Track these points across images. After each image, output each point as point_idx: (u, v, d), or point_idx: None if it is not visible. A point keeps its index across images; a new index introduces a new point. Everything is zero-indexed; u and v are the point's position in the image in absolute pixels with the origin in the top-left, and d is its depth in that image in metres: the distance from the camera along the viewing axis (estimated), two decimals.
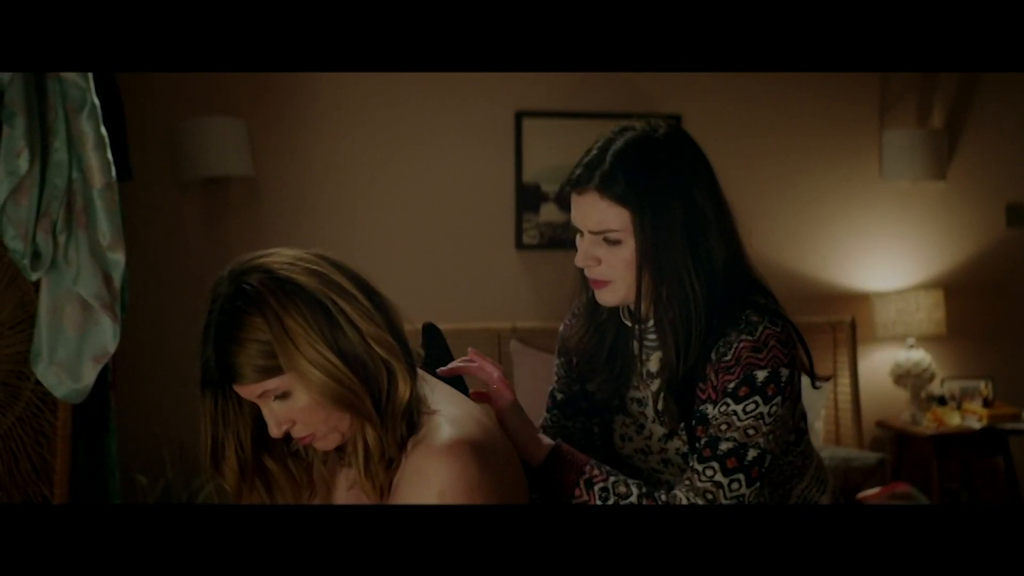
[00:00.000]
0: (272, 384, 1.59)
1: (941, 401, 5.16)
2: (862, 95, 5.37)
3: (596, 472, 1.78)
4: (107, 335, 3.10)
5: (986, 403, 5.04)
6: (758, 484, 1.75)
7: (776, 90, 5.23)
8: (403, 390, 1.62)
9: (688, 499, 1.74)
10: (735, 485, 1.73)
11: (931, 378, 5.22)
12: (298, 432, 1.64)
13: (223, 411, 1.68)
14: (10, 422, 3.13)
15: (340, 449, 1.71)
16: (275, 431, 1.63)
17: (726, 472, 1.73)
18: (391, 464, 1.62)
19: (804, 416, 1.93)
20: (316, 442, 1.65)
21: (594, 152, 1.81)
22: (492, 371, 1.84)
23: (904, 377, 5.20)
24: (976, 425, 4.94)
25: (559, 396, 2.04)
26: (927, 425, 5.01)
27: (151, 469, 4.31)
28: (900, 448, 5.17)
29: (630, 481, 1.78)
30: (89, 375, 3.10)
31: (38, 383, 3.12)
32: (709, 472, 1.74)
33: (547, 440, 1.84)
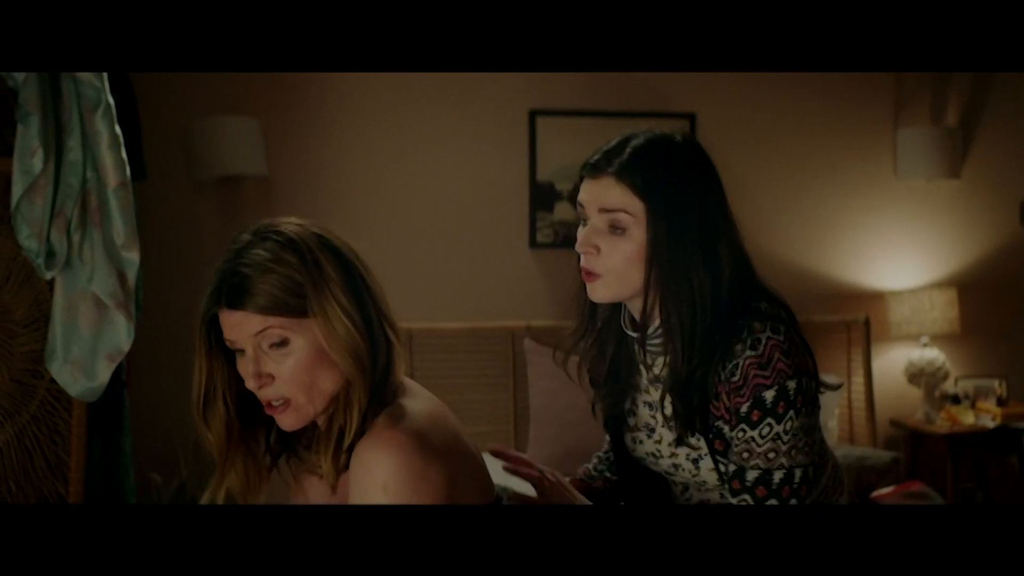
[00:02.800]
0: (279, 323, 1.58)
1: (955, 400, 5.14)
2: (876, 94, 5.35)
3: None
4: (122, 334, 3.10)
5: (1000, 402, 5.03)
6: (793, 501, 1.75)
7: (790, 89, 5.21)
8: (399, 371, 1.66)
9: None
10: None
11: (945, 377, 5.20)
12: (271, 393, 1.62)
13: (215, 363, 1.68)
14: (25, 420, 3.14)
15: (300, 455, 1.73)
16: (252, 382, 1.61)
17: (758, 502, 1.75)
18: (351, 448, 1.60)
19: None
20: (281, 414, 1.63)
21: (613, 143, 1.82)
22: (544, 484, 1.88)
23: (918, 376, 5.19)
24: (990, 424, 4.93)
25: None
26: (941, 424, 5.00)
27: (166, 467, 4.32)
28: (914, 447, 5.15)
29: None
30: (104, 373, 3.10)
31: (53, 381, 3.13)
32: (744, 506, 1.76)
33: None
